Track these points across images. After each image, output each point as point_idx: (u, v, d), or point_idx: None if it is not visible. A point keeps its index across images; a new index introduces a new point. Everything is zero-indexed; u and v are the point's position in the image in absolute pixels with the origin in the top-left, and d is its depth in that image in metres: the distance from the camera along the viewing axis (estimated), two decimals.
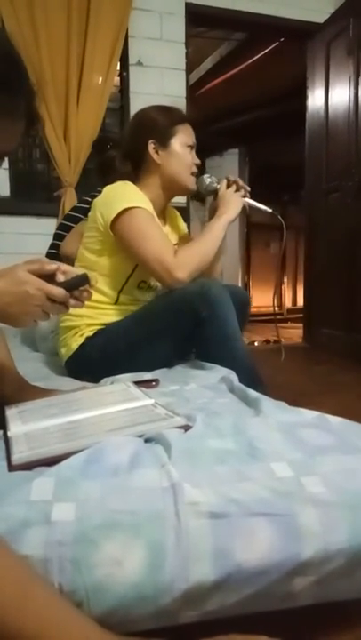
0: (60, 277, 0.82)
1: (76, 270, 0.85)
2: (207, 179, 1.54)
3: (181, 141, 1.47)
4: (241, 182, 1.52)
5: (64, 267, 0.83)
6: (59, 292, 0.79)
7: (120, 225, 1.35)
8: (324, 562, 0.56)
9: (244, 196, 1.51)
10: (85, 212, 2.04)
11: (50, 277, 0.82)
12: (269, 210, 1.56)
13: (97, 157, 2.38)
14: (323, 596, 0.58)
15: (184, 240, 1.63)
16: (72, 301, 0.83)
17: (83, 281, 0.83)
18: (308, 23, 3.36)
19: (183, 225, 1.70)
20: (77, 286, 0.83)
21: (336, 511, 0.59)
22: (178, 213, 1.69)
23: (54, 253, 2.07)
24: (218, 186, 1.52)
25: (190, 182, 1.50)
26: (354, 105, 3.02)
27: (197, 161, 1.51)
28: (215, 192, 1.53)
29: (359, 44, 2.97)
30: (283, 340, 3.64)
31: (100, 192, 2.04)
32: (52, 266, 0.82)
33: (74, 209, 2.22)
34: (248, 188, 1.52)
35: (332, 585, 0.58)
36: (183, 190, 1.53)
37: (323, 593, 0.58)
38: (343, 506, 0.59)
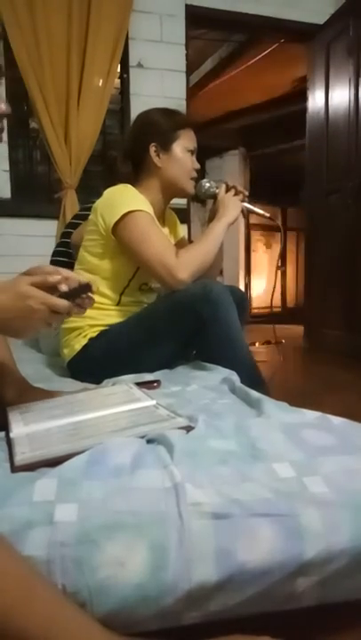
0: (63, 287, 0.81)
1: (78, 277, 0.84)
2: (206, 183, 1.55)
3: (183, 146, 1.47)
4: (239, 187, 1.53)
5: (65, 273, 0.82)
6: (62, 305, 0.78)
7: (122, 228, 1.35)
8: (327, 562, 0.56)
9: (243, 200, 1.52)
10: (89, 210, 2.06)
11: (52, 286, 0.81)
12: (267, 214, 1.58)
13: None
14: (326, 596, 0.58)
15: (181, 244, 1.63)
16: (74, 309, 0.83)
17: (85, 289, 0.83)
18: (308, 24, 3.36)
19: (180, 229, 1.71)
20: (80, 294, 0.83)
21: (339, 511, 0.59)
22: (176, 217, 1.69)
23: (61, 251, 2.09)
24: (217, 190, 1.53)
25: (189, 186, 1.51)
26: (354, 106, 3.03)
27: (197, 166, 1.52)
28: (214, 196, 1.54)
29: (359, 45, 2.97)
30: (283, 341, 3.65)
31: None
32: (55, 277, 0.81)
33: (82, 209, 2.24)
34: (246, 193, 1.53)
35: (335, 585, 0.57)
36: (182, 194, 1.55)
37: (326, 593, 0.58)
38: (346, 506, 0.59)
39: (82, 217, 2.09)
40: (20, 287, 0.77)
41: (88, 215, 2.03)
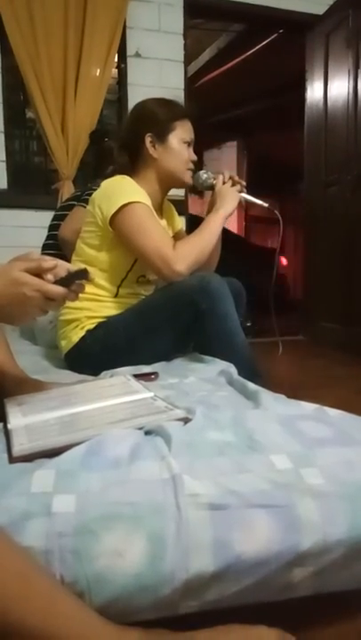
0: (60, 273, 0.79)
1: (66, 264, 0.82)
2: (203, 174, 1.54)
3: (179, 137, 1.46)
4: (237, 177, 1.52)
5: (61, 263, 0.81)
6: (57, 291, 0.77)
7: (119, 220, 1.35)
8: (323, 553, 0.57)
9: (241, 191, 1.51)
10: (77, 199, 2.05)
11: (45, 272, 0.79)
12: (266, 204, 1.56)
13: (93, 149, 2.38)
14: (321, 586, 0.59)
15: (179, 236, 1.62)
16: (70, 295, 0.81)
17: (81, 275, 0.82)
18: (307, 15, 3.33)
19: (179, 221, 1.70)
20: (75, 280, 0.82)
21: (335, 502, 0.59)
22: (174, 209, 1.68)
23: (51, 244, 2.08)
24: (214, 181, 1.52)
25: (186, 176, 1.50)
26: (353, 97, 3.01)
27: (194, 157, 1.50)
28: (212, 187, 1.53)
29: (358, 36, 2.95)
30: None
31: (93, 184, 2.05)
32: (50, 264, 0.79)
33: (66, 200, 2.24)
34: (244, 183, 1.52)
35: (330, 576, 0.58)
36: (179, 184, 1.53)
37: (322, 584, 0.58)
38: (342, 497, 0.60)
39: (67, 208, 2.08)
40: (13, 274, 0.75)
41: (72, 206, 2.03)
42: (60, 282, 0.78)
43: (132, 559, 0.52)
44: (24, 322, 0.83)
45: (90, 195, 1.91)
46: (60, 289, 0.77)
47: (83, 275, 0.81)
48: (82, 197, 2.02)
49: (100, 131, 2.41)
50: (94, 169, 2.28)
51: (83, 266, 0.87)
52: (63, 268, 0.81)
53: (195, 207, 4.66)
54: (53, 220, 2.17)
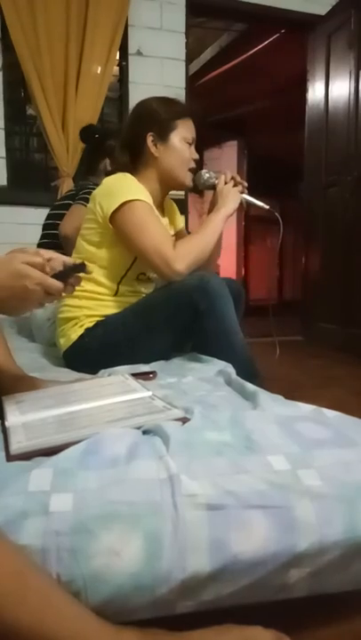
0: (57, 265, 0.80)
1: (62, 257, 0.83)
2: (205, 174, 1.53)
3: (181, 136, 1.45)
4: (239, 178, 1.51)
5: (48, 254, 0.81)
6: (57, 286, 0.77)
7: (120, 217, 1.34)
8: (320, 554, 0.57)
9: (242, 192, 1.50)
10: (72, 198, 2.05)
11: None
12: (266, 206, 1.56)
13: (86, 146, 2.37)
14: (318, 587, 0.59)
15: (180, 235, 1.62)
16: (68, 288, 0.82)
17: (79, 268, 0.82)
18: (309, 15, 3.33)
19: (180, 219, 1.69)
20: (73, 273, 0.82)
21: (332, 504, 0.59)
22: (176, 207, 1.68)
23: (46, 243, 2.07)
24: (216, 181, 1.52)
25: (187, 179, 1.50)
26: (354, 99, 3.01)
27: (196, 156, 1.50)
28: (213, 187, 1.52)
29: (360, 38, 2.95)
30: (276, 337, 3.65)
31: (88, 181, 2.04)
32: (48, 254, 0.80)
33: (61, 199, 2.23)
34: (245, 184, 1.52)
35: (327, 577, 0.58)
36: (179, 186, 1.52)
37: (318, 585, 0.58)
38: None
39: (63, 207, 2.07)
40: (15, 266, 0.75)
41: (69, 205, 2.02)
42: (58, 275, 0.79)
43: (128, 558, 0.52)
44: (21, 314, 0.83)
45: (86, 193, 1.90)
46: (60, 284, 0.78)
47: (81, 268, 0.82)
48: (77, 196, 2.01)
49: (89, 128, 2.39)
50: (86, 166, 2.28)
51: (79, 259, 0.87)
52: (59, 260, 0.81)
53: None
54: (48, 219, 2.15)
